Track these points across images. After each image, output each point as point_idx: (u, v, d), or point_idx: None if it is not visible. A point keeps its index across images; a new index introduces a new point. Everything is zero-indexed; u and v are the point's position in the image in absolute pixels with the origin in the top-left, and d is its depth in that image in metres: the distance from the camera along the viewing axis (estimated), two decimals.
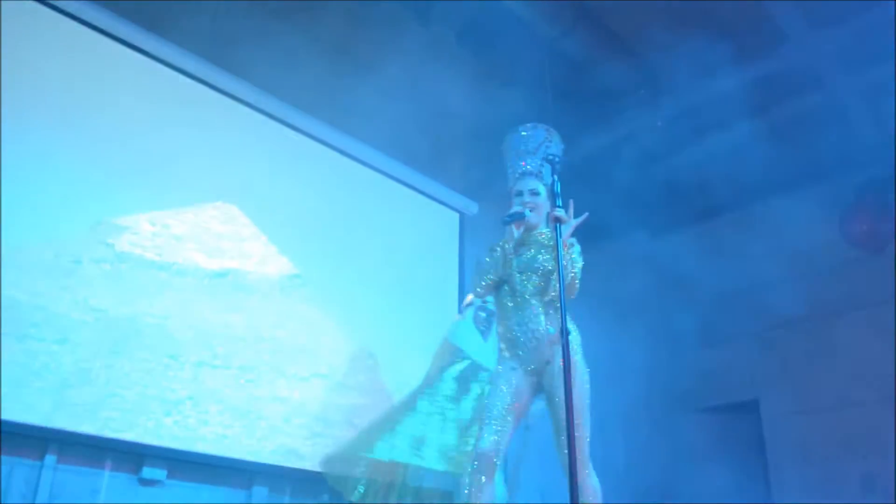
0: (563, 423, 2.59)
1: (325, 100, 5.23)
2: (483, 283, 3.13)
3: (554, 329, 2.96)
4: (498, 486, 3.10)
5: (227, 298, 3.97)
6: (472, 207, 6.39)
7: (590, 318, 3.59)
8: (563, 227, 2.92)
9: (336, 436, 4.14)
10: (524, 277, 3.11)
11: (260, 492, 4.38)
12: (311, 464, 4.20)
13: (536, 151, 3.19)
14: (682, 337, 6.44)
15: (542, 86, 5.36)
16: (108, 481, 3.86)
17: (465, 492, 2.89)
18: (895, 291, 5.41)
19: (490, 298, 3.75)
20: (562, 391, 2.68)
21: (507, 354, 3.10)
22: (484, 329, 4.14)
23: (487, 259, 3.18)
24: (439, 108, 5.35)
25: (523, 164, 3.19)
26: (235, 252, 4.19)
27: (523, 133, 3.25)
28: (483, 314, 4.19)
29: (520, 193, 3.18)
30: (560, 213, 2.91)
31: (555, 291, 2.98)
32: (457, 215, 6.32)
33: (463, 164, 6.31)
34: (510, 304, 3.14)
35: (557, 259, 2.80)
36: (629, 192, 5.53)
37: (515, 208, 3.14)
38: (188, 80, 4.66)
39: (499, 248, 3.15)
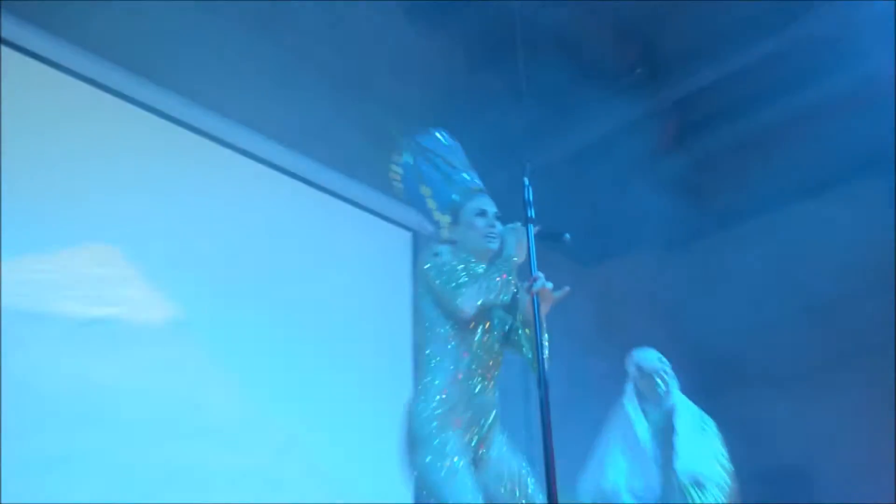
0: None
1: (234, 94, 4.70)
2: (479, 301, 2.64)
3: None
4: None
5: (104, 348, 3.74)
6: (428, 225, 5.51)
7: None
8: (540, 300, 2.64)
9: (220, 499, 3.85)
10: (487, 338, 2.77)
11: None
12: None
13: (473, 166, 3.00)
14: None
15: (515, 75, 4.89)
16: None
17: None
18: None
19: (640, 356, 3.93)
20: (517, 464, 2.67)
21: (448, 414, 2.62)
22: (659, 404, 3.91)
23: (492, 275, 2.72)
24: (388, 104, 5.03)
25: (473, 178, 2.96)
26: (113, 297, 3.89)
27: (443, 139, 3.02)
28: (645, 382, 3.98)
29: (483, 214, 2.84)
30: (543, 285, 2.64)
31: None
32: (409, 234, 5.84)
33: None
34: (472, 365, 2.70)
35: (535, 339, 2.58)
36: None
37: (485, 230, 2.82)
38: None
39: (510, 277, 2.68)
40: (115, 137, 4.18)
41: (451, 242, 2.89)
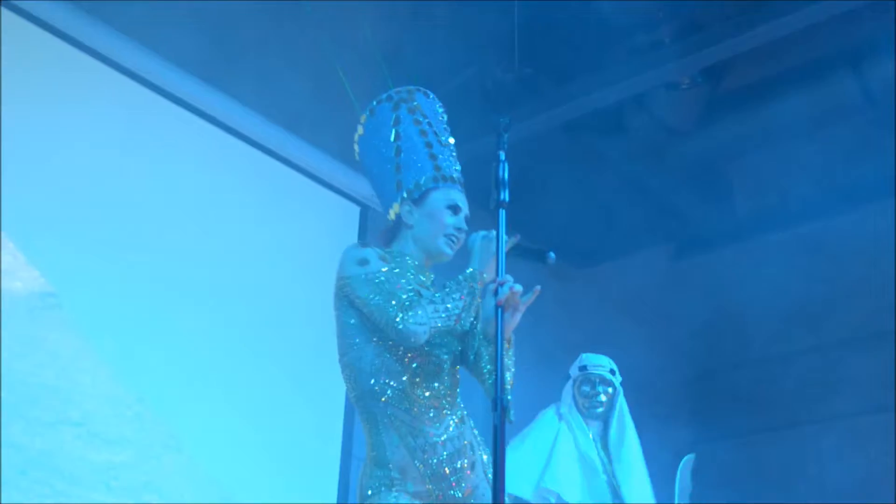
0: None
1: (185, 49, 4.43)
2: (429, 328, 2.25)
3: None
4: None
5: None
6: (376, 191, 5.21)
7: None
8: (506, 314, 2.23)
9: (83, 497, 3.72)
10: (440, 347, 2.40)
11: None
12: None
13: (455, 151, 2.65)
14: None
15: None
16: None
17: None
18: None
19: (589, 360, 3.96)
20: None
21: (398, 476, 2.35)
22: (600, 414, 3.93)
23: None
24: (334, 55, 4.52)
25: (456, 166, 2.62)
26: None
27: (439, 108, 2.67)
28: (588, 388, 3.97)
29: (455, 209, 2.49)
30: (512, 289, 2.21)
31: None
32: (357, 209, 5.43)
33: None
34: (423, 398, 2.37)
35: (497, 358, 2.09)
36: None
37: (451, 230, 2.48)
38: None
39: (473, 299, 2.33)
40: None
41: (396, 230, 2.53)
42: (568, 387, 3.95)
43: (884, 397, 5.32)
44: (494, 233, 2.24)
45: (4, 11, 3.86)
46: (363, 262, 2.34)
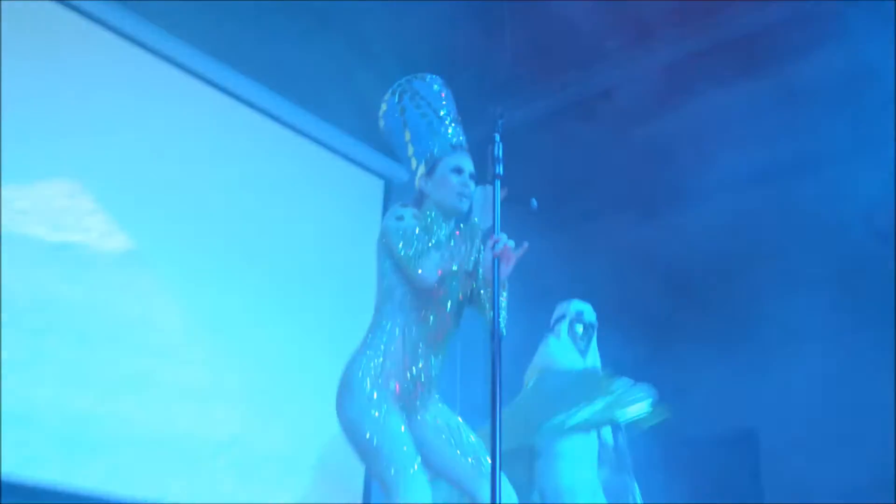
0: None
1: (224, 37, 4.80)
2: (441, 271, 2.62)
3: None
4: None
5: (69, 270, 4.12)
6: (402, 174, 5.77)
7: None
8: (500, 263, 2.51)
9: (167, 399, 4.32)
10: (443, 309, 2.74)
11: None
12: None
13: (460, 121, 2.93)
14: None
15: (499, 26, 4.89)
16: None
17: None
18: None
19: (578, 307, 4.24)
20: (454, 419, 2.67)
21: (384, 380, 2.64)
22: (584, 347, 4.24)
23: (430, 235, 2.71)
24: (364, 52, 5.04)
25: (458, 134, 2.91)
26: (78, 226, 4.22)
27: (437, 88, 2.95)
28: (580, 326, 4.30)
29: (458, 171, 2.79)
30: (506, 245, 2.49)
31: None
32: (381, 182, 5.94)
33: None
34: (430, 317, 2.69)
35: (494, 299, 2.42)
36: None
37: (459, 188, 2.78)
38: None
39: (473, 245, 2.72)
40: (91, 71, 4.35)
41: (422, 197, 2.88)
42: (564, 324, 4.29)
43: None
44: (490, 187, 2.56)
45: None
46: (400, 218, 2.69)
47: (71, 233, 4.10)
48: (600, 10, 4.77)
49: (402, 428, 2.51)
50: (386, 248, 2.73)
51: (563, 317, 4.34)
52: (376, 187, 5.86)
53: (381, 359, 2.61)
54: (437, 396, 2.72)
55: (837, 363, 5.06)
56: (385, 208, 5.73)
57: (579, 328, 4.28)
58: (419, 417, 2.67)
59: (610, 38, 4.89)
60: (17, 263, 3.82)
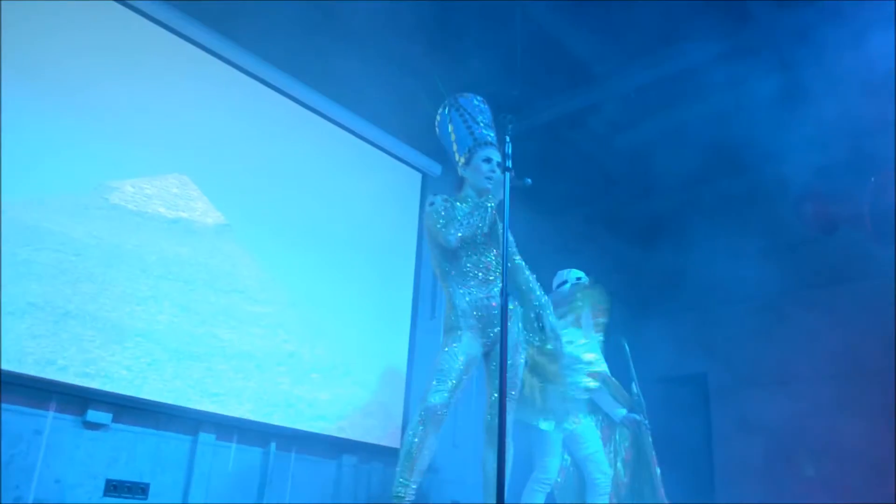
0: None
1: (291, 53, 5.17)
2: (459, 234, 3.06)
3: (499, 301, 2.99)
4: None
5: (179, 237, 4.63)
6: (436, 168, 6.20)
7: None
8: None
9: (245, 330, 4.74)
10: (490, 247, 3.18)
11: (207, 438, 4.45)
12: (251, 408, 4.67)
13: (493, 126, 3.29)
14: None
15: (511, 50, 5.27)
16: (52, 423, 3.82)
17: (412, 441, 2.94)
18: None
19: (576, 274, 4.37)
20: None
21: (461, 320, 3.12)
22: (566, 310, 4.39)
23: (462, 207, 3.16)
24: (405, 65, 5.34)
25: (489, 134, 3.29)
26: (185, 207, 4.76)
27: (477, 102, 3.34)
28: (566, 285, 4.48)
29: (488, 160, 3.22)
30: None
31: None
32: (419, 175, 6.23)
33: (427, 123, 5.94)
34: (477, 273, 3.15)
35: (503, 236, 2.87)
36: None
37: (487, 173, 3.21)
38: (153, 28, 4.74)
39: (489, 206, 3.12)
40: (195, 87, 4.81)
41: (462, 181, 3.30)
42: (566, 287, 4.53)
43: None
44: (506, 177, 2.94)
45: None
46: (432, 204, 3.23)
47: (181, 211, 4.66)
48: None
49: (456, 359, 3.02)
50: (426, 230, 3.25)
51: (564, 282, 4.61)
52: (415, 179, 6.20)
53: (459, 307, 3.13)
54: (509, 331, 2.97)
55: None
56: (422, 196, 6.09)
57: (576, 293, 4.52)
58: (494, 334, 3.14)
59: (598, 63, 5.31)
60: (146, 231, 4.46)
